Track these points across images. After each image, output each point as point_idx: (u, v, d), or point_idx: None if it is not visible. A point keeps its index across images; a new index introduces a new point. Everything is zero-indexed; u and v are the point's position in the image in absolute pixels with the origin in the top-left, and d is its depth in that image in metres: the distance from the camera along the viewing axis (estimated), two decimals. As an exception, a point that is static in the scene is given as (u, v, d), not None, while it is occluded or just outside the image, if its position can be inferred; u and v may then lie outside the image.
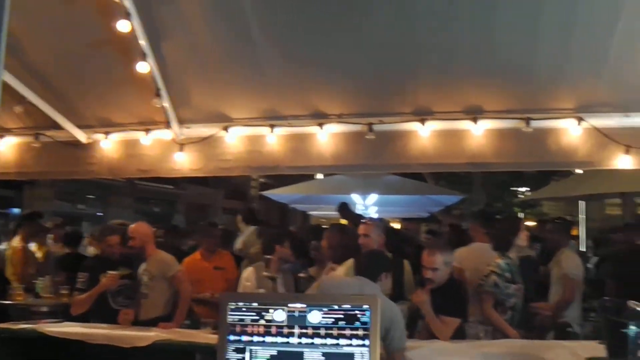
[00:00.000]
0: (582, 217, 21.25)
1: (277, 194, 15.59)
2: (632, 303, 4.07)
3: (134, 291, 6.12)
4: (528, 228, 10.19)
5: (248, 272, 6.16)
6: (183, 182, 20.49)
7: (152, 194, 21.30)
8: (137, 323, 5.86)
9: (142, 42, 5.47)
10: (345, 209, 10.04)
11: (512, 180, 23.53)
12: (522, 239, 6.09)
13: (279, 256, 6.11)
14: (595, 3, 4.86)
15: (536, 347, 4.72)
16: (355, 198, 13.60)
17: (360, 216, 9.60)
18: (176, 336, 5.31)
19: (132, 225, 6.33)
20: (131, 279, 6.14)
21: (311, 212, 20.98)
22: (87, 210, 20.45)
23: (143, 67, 5.59)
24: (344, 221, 10.06)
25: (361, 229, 5.97)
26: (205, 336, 5.18)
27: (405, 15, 5.12)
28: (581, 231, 20.32)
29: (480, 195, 20.36)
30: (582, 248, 15.69)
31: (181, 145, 6.27)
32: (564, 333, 6.28)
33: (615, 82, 5.31)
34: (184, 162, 6.32)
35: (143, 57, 5.54)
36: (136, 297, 6.10)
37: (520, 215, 20.48)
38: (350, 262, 5.54)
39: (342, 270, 5.54)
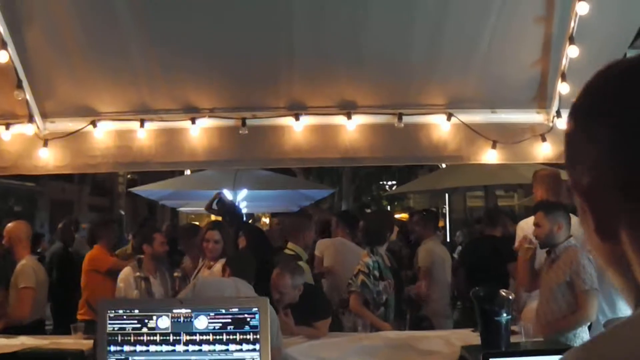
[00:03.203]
0: (446, 208, 22.09)
1: (145, 190, 15.23)
2: (503, 291, 4.22)
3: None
4: (397, 221, 10.44)
5: (124, 273, 5.95)
6: (44, 178, 19.61)
7: (12, 192, 20.24)
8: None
9: (1, 28, 5.14)
10: (223, 201, 9.78)
11: (380, 174, 24.07)
12: (393, 235, 6.22)
13: (150, 255, 5.98)
14: (466, 1, 5.00)
15: (412, 338, 4.81)
16: (226, 193, 13.47)
17: (233, 211, 9.46)
18: (44, 343, 5.01)
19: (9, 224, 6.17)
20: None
21: (181, 209, 20.65)
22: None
23: (2, 56, 5.25)
24: (217, 217, 9.90)
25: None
26: (77, 342, 4.91)
27: (278, 10, 5.08)
28: (447, 222, 21.13)
29: (349, 189, 20.69)
30: (447, 239, 16.28)
31: (45, 140, 5.89)
32: (418, 327, 6.47)
33: (483, 79, 5.49)
34: (48, 159, 5.94)
35: (2, 45, 5.21)
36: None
37: (388, 207, 21.02)
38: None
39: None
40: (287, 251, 6.73)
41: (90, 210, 22.47)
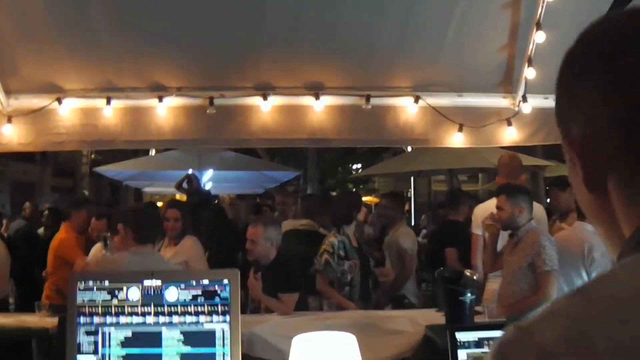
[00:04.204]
0: (411, 192, 22.25)
1: (109, 170, 15.08)
2: (468, 272, 4.29)
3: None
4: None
5: (94, 249, 5.92)
6: (4, 157, 19.23)
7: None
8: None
9: (-36, 4, 5.05)
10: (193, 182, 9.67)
11: (345, 156, 24.13)
12: (360, 215, 6.25)
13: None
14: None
15: (378, 318, 4.85)
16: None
17: (202, 192, 9.41)
18: (9, 321, 4.95)
19: None
20: None
21: (145, 189, 20.49)
22: None
23: (-35, 32, 5.16)
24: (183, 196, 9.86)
25: None
26: (41, 320, 4.86)
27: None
28: (412, 206, 21.31)
29: (315, 171, 20.69)
30: (412, 222, 16.41)
31: (9, 117, 5.78)
32: (401, 305, 6.55)
33: (451, 63, 5.55)
34: (12, 136, 5.82)
35: (-35, 20, 5.11)
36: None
37: (353, 190, 21.05)
38: None
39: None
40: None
41: (53, 191, 22.17)
